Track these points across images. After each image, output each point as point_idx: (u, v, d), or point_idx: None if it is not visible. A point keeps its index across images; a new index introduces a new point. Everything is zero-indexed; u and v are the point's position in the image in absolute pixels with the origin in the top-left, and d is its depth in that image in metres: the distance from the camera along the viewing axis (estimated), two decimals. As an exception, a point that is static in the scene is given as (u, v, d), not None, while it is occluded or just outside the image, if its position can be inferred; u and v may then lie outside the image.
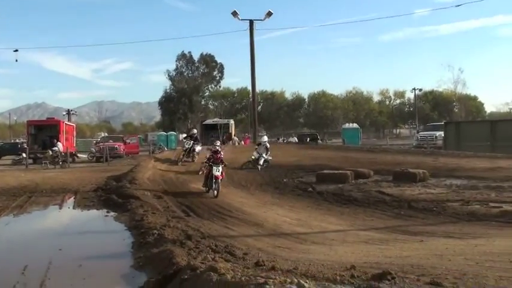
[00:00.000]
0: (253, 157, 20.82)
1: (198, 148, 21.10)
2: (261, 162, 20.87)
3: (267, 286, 3.72)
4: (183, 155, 20.81)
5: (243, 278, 4.18)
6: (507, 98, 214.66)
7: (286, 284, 3.75)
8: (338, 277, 4.65)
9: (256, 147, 21.77)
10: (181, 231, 8.67)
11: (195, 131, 23.76)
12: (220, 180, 14.66)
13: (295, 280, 3.84)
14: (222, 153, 15.93)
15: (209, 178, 14.68)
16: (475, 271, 4.96)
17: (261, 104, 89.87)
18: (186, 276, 5.08)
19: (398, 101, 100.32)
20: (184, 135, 24.30)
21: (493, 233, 9.06)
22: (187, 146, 20.93)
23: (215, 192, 14.31)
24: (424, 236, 9.22)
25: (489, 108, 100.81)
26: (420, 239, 8.81)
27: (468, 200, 12.80)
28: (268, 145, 21.73)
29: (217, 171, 14.53)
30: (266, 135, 26.89)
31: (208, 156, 15.73)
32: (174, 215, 11.18)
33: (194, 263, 5.51)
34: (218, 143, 19.65)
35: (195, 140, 21.30)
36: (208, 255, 6.48)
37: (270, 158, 21.42)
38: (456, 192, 14.31)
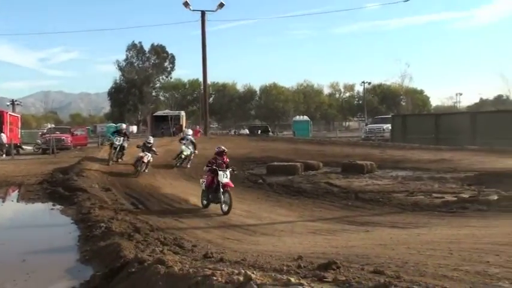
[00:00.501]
0: (185, 153, 18.61)
1: (126, 145, 18.92)
2: (191, 158, 18.97)
3: (214, 278, 3.74)
4: (113, 153, 18.48)
5: (190, 270, 4.18)
6: (451, 92, 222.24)
7: (234, 275, 3.77)
8: (285, 267, 4.74)
9: (184, 141, 19.48)
10: (129, 224, 8.59)
11: (124, 126, 22.38)
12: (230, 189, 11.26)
13: (243, 271, 3.87)
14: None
15: (212, 188, 11.41)
16: (416, 259, 5.15)
17: (213, 96, 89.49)
18: (133, 269, 5.04)
19: (347, 94, 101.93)
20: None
21: (435, 223, 9.43)
22: (117, 143, 18.45)
23: (224, 206, 10.94)
24: (370, 226, 9.49)
25: (434, 101, 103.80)
26: (366, 229, 9.06)
27: (413, 191, 13.27)
28: (193, 139, 20.01)
29: (225, 176, 11.25)
30: (191, 128, 25.35)
31: (210, 160, 11.98)
32: (123, 208, 11.04)
33: (142, 256, 5.47)
34: (151, 139, 18.26)
35: (124, 136, 18.98)
36: (156, 248, 6.45)
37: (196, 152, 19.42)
38: (401, 184, 14.80)
